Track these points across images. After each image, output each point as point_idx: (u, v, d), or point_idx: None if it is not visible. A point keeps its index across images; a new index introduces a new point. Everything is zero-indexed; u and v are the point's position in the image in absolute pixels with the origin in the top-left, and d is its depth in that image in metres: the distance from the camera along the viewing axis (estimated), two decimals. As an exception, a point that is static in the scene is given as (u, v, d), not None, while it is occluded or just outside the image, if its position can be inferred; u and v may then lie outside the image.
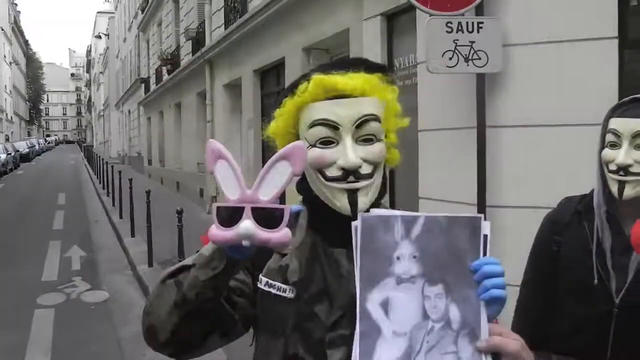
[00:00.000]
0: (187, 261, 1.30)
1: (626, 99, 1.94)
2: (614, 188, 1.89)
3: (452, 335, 1.15)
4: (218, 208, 1.11)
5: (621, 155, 1.86)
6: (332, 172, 1.30)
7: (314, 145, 1.32)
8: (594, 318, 1.90)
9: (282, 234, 1.08)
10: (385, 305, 1.16)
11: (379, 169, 1.33)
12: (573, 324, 1.97)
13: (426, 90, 5.02)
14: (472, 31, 4.25)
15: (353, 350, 1.16)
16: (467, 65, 4.27)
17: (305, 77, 1.37)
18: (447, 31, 4.24)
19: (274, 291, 1.35)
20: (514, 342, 1.15)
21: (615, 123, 1.90)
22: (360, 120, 1.30)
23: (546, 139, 4.24)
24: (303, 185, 1.41)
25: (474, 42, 4.24)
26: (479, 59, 4.25)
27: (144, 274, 8.33)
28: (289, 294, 1.33)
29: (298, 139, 1.35)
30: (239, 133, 13.84)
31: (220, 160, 1.14)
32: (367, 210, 1.29)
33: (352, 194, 1.29)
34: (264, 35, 10.85)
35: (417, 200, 5.19)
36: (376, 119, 1.32)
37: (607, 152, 1.92)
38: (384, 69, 1.40)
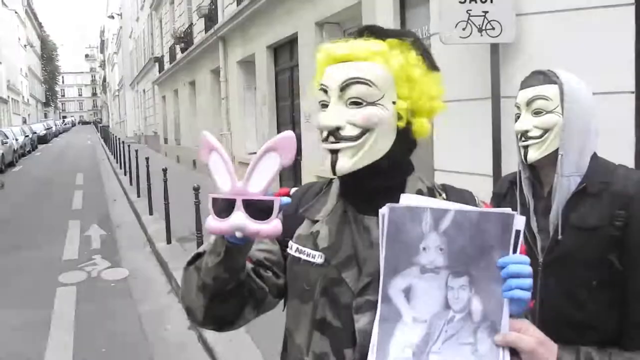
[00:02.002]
0: (201, 248, 1.36)
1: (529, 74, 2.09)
2: (522, 154, 2.02)
3: (471, 326, 1.16)
4: (213, 199, 1.15)
5: (520, 122, 2.01)
6: (323, 133, 1.34)
7: (320, 110, 1.37)
8: None
9: (271, 225, 1.11)
10: (407, 291, 1.18)
11: (371, 133, 1.31)
12: None
13: (440, 62, 4.95)
14: (485, 1, 4.21)
15: (372, 333, 1.19)
16: (481, 35, 4.23)
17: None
18: (460, 1, 4.20)
19: (303, 257, 1.39)
20: (528, 339, 1.16)
21: (517, 98, 2.06)
22: (345, 83, 1.31)
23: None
24: None
25: (487, 12, 4.20)
26: (493, 29, 4.22)
27: (163, 250, 8.41)
28: (318, 260, 1.36)
29: None
30: (253, 109, 13.85)
31: (213, 151, 1.17)
32: (368, 174, 1.32)
33: (334, 155, 1.32)
34: (276, 10, 10.80)
35: (432, 172, 5.19)
36: (364, 82, 1.31)
37: (515, 125, 2.05)
38: (402, 35, 1.39)
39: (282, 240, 1.45)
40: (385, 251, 1.17)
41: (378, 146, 1.33)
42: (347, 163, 1.31)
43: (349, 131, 1.31)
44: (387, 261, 1.18)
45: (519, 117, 2.04)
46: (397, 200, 1.24)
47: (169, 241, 8.77)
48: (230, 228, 1.11)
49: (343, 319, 1.32)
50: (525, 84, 2.04)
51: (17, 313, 6.41)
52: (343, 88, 1.31)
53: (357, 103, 1.31)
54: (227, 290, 1.31)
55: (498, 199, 2.18)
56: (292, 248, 1.42)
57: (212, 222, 1.14)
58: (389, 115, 1.33)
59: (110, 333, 5.76)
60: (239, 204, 1.11)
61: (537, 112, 1.97)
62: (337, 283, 1.34)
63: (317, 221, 1.42)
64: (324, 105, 1.35)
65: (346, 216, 1.40)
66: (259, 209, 1.12)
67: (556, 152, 1.95)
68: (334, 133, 1.31)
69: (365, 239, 1.35)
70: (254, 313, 1.42)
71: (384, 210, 1.17)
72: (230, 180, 1.14)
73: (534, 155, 1.98)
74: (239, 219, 1.10)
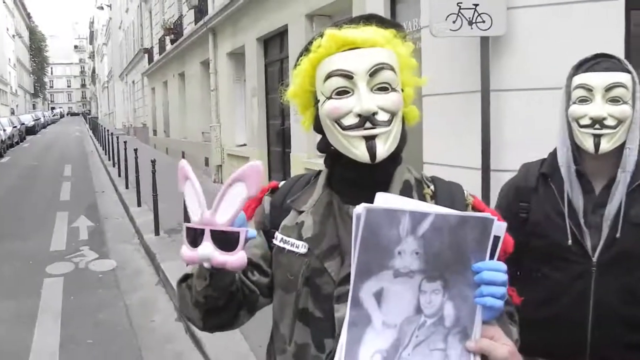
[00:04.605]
0: (188, 269, 1.37)
1: (589, 56, 1.93)
2: (588, 143, 1.87)
3: (443, 332, 1.14)
4: (186, 228, 1.17)
5: (596, 108, 1.84)
6: (349, 120, 1.30)
7: (329, 98, 1.33)
8: (572, 280, 1.89)
9: (237, 257, 1.14)
10: (378, 295, 1.15)
11: (396, 118, 1.32)
12: (550, 289, 1.95)
13: (430, 55, 4.98)
14: (476, -6, 4.20)
15: (340, 337, 1.17)
16: (471, 28, 4.23)
17: (320, 34, 1.39)
18: (450, -6, 4.19)
19: (287, 247, 1.39)
20: (502, 348, 1.14)
21: (584, 78, 1.89)
22: (374, 68, 1.30)
23: (551, 102, 4.18)
24: (323, 143, 1.42)
25: (477, 4, 4.19)
26: (483, 22, 4.21)
27: (151, 242, 8.38)
28: (302, 249, 1.36)
29: (316, 96, 1.38)
30: (242, 101, 13.79)
31: (187, 180, 1.19)
32: (385, 162, 1.31)
33: (370, 141, 1.29)
34: (266, 2, 10.75)
35: (421, 165, 5.19)
36: (390, 68, 1.32)
37: (578, 108, 1.89)
38: (398, 26, 1.41)
39: (269, 232, 1.45)
40: (357, 254, 1.14)
41: (398, 133, 1.34)
42: (384, 149, 1.30)
43: (382, 116, 1.30)
44: (359, 264, 1.14)
45: (582, 100, 1.89)
46: (383, 190, 1.23)
47: (157, 233, 8.75)
48: (198, 258, 1.14)
49: (324, 309, 1.32)
50: (598, 67, 1.88)
51: (3, 304, 6.37)
52: (373, 73, 1.30)
53: (384, 89, 1.31)
54: (219, 306, 1.32)
55: (525, 193, 2.05)
56: (277, 238, 1.41)
57: (186, 252, 1.17)
58: (402, 102, 1.35)
59: (97, 324, 5.74)
60: (207, 234, 1.14)
61: (615, 100, 1.84)
62: (320, 273, 1.34)
63: (303, 212, 1.41)
64: (343, 92, 1.31)
65: (331, 207, 1.40)
66: (223, 241, 1.13)
67: (619, 147, 1.86)
68: (371, 118, 1.29)
69: (349, 229, 1.32)
70: (249, 315, 1.45)
71: (359, 210, 1.12)
72: (200, 210, 1.15)
73: (606, 146, 1.84)
74: (207, 249, 1.13)
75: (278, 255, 1.42)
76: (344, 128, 1.31)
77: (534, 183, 2.04)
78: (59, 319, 5.90)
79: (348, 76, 1.30)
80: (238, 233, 1.14)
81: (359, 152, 1.29)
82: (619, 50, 3.99)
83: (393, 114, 1.31)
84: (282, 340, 1.41)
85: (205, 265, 1.15)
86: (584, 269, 1.88)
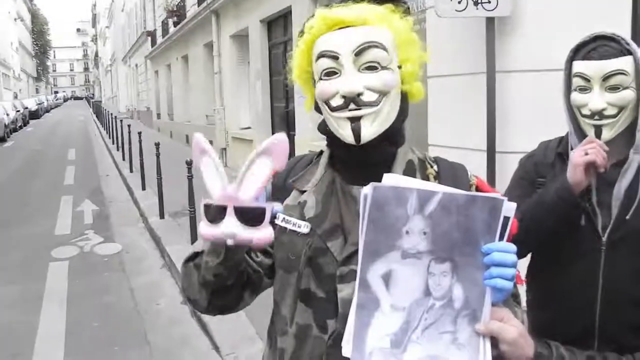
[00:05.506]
0: (198, 247, 1.36)
1: (587, 37, 1.89)
2: (591, 133, 1.86)
3: (451, 314, 1.13)
4: (205, 205, 1.13)
5: (594, 100, 1.82)
6: (336, 101, 1.30)
7: (320, 79, 1.33)
8: (582, 258, 1.88)
9: (263, 232, 1.10)
10: (387, 277, 1.14)
11: (387, 98, 1.30)
12: (560, 266, 1.94)
13: (435, 36, 4.94)
14: (481, -27, 4.15)
15: (348, 321, 1.17)
16: (477, 9, 4.18)
17: (312, 15, 1.38)
18: (455, -27, 4.14)
19: (289, 227, 1.37)
20: (511, 330, 1.14)
21: (582, 66, 1.86)
22: (359, 48, 1.28)
23: (556, 84, 4.15)
24: (323, 123, 1.41)
25: (483, -15, 4.15)
26: (489, 2, 4.16)
27: (156, 225, 8.41)
28: (304, 229, 1.35)
29: (314, 77, 1.38)
30: (246, 84, 13.75)
31: (204, 155, 1.15)
32: (378, 142, 1.30)
33: (355, 122, 1.28)
34: (269, -17, 10.68)
35: (426, 147, 5.17)
36: (379, 46, 1.29)
37: (578, 97, 1.87)
38: (396, 1, 1.38)
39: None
40: (365, 234, 1.13)
41: (391, 112, 1.33)
42: (370, 130, 1.29)
43: (368, 97, 1.29)
44: (366, 244, 1.14)
45: (581, 89, 1.86)
46: (386, 171, 1.21)
47: (161, 216, 8.77)
48: (222, 235, 1.10)
49: (327, 289, 1.32)
50: (595, 54, 1.83)
51: (10, 288, 6.40)
52: (359, 53, 1.29)
53: (372, 68, 1.29)
54: (227, 285, 1.33)
55: (543, 168, 2.04)
56: (279, 218, 1.40)
57: (205, 229, 1.13)
58: (397, 80, 1.33)
59: (103, 308, 5.76)
60: (230, 211, 1.10)
61: (614, 88, 1.80)
62: (322, 253, 1.33)
63: (305, 191, 1.41)
64: (331, 73, 1.31)
65: (334, 186, 1.40)
66: (248, 217, 1.10)
67: (628, 127, 1.84)
68: (355, 99, 1.28)
69: (352, 208, 1.34)
70: (253, 297, 1.45)
71: (366, 190, 1.12)
72: (221, 186, 1.11)
73: (608, 134, 1.83)
74: (231, 226, 1.09)
75: (280, 235, 1.40)
76: (332, 109, 1.31)
77: (552, 158, 2.04)
78: (64, 302, 5.92)
79: (334, 57, 1.30)
80: (263, 209, 1.10)
81: (344, 133, 1.30)
82: (625, 31, 3.95)
83: (382, 94, 1.30)
84: (283, 322, 1.40)
85: (229, 242, 1.11)
86: (594, 247, 1.86)
